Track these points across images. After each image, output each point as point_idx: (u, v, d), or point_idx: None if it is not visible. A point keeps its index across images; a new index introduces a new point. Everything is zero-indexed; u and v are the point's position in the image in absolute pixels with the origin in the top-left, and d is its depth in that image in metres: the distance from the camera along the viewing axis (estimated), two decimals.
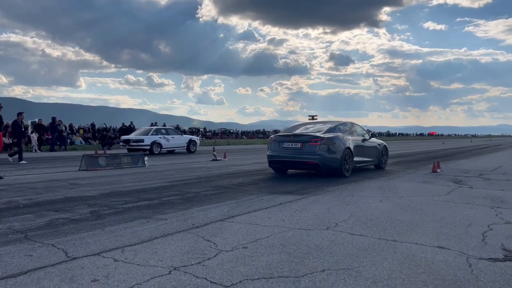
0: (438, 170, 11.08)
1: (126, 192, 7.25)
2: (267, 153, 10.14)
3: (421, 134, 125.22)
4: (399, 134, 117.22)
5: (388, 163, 13.38)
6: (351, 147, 9.83)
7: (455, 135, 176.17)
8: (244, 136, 60.32)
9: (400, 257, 3.53)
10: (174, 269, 3.19)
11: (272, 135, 10.69)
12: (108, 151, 19.14)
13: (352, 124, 11.16)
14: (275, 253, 3.60)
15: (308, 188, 7.84)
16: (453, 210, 5.62)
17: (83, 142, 29.12)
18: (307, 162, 9.25)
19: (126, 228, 4.52)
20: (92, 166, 11.61)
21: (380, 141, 12.25)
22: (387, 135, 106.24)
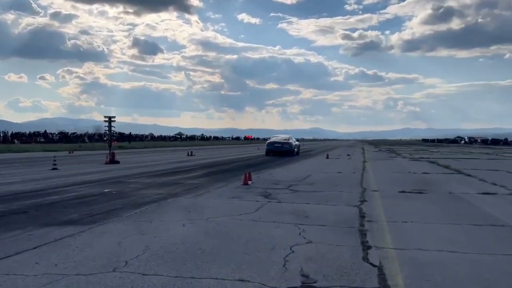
0: (249, 182, 12.06)
1: None
2: (266, 148, 31.52)
3: (237, 138, 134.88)
4: (214, 137, 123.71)
5: (199, 176, 15.35)
6: (295, 144, 32.75)
7: None
8: (16, 140, 53.68)
9: None
10: None
11: (268, 141, 33.11)
12: None
13: (292, 136, 33.87)
14: None
15: (97, 214, 7.42)
16: (258, 232, 6.13)
17: None
18: (285, 150, 30.49)
19: None
20: None
21: (298, 143, 35.46)
22: (201, 139, 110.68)
